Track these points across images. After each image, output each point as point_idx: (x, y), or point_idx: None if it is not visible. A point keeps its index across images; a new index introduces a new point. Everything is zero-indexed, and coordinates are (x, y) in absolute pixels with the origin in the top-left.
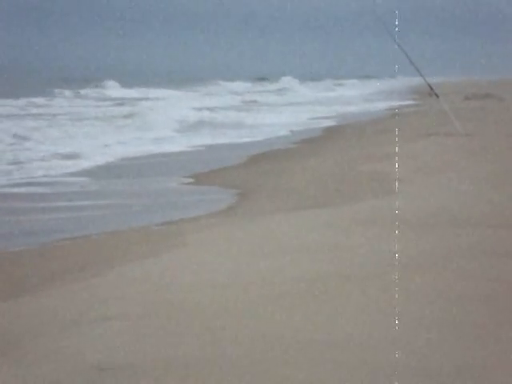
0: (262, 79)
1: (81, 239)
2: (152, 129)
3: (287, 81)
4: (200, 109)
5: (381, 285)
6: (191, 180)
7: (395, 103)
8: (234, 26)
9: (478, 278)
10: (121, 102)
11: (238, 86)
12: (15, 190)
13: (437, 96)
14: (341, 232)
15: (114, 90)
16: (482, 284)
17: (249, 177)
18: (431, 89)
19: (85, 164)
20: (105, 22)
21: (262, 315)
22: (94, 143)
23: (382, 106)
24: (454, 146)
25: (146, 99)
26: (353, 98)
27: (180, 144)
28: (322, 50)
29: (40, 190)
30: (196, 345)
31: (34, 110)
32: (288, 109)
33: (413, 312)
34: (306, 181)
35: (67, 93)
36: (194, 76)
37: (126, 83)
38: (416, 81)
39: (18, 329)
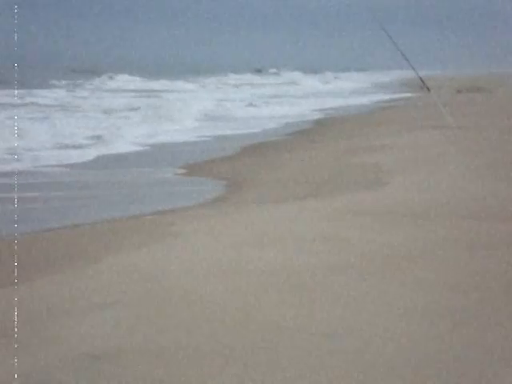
0: (268, 72)
1: (74, 228)
2: (161, 120)
3: (293, 74)
4: (210, 100)
5: (372, 276)
6: (184, 171)
7: (388, 96)
8: (238, 21)
9: (467, 270)
10: (132, 94)
11: (243, 78)
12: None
13: (428, 89)
14: (332, 223)
15: (125, 81)
16: (473, 276)
17: (242, 167)
18: (423, 82)
19: (84, 156)
20: (116, 16)
21: (254, 304)
22: (100, 134)
23: (374, 98)
24: (444, 139)
25: (157, 91)
26: (347, 90)
27: (186, 135)
28: (323, 45)
29: (34, 179)
30: (189, 333)
31: (41, 101)
32: (289, 101)
33: (405, 303)
34: (298, 172)
35: (77, 84)
36: (205, 69)
37: (137, 75)
38: (409, 74)
39: (11, 317)
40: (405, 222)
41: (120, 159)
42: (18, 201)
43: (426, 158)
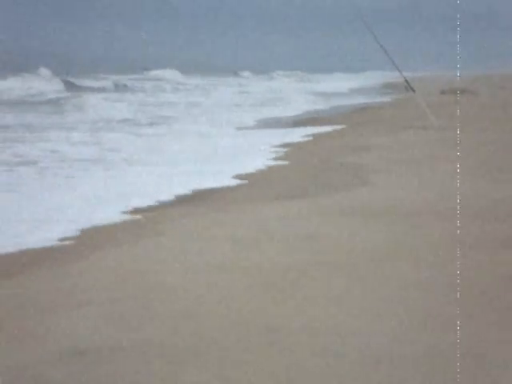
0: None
1: None
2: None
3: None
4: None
5: (356, 274)
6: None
7: (373, 96)
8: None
9: (450, 269)
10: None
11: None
12: None
13: (413, 90)
14: (318, 222)
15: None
16: (454, 274)
17: None
18: (407, 83)
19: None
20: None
21: (240, 301)
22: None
23: (360, 99)
24: (428, 139)
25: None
26: (328, 92)
27: None
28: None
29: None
30: (174, 329)
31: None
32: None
33: (387, 301)
34: (283, 172)
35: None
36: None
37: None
38: (395, 75)
39: None
40: (389, 222)
41: None
42: None
43: (410, 158)
